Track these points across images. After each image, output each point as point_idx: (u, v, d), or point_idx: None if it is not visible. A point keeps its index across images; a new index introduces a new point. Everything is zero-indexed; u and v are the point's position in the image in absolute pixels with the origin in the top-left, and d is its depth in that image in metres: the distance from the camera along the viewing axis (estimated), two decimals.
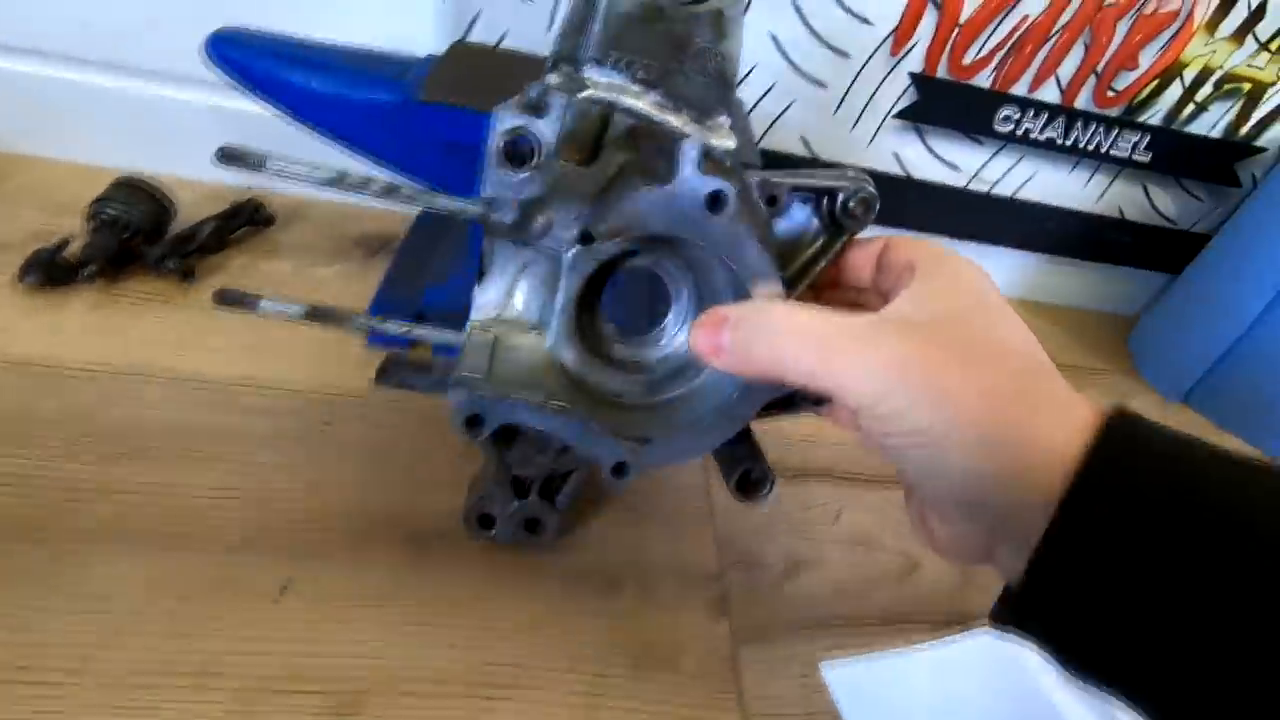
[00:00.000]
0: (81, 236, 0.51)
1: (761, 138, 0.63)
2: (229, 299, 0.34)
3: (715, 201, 0.29)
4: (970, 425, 0.24)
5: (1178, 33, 0.59)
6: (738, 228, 0.30)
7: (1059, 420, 0.24)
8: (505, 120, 0.29)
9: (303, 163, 0.31)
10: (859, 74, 0.60)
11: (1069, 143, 0.66)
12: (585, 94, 0.31)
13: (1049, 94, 0.63)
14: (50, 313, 0.48)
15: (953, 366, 0.25)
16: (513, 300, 0.33)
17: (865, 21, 0.57)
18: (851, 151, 0.65)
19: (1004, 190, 0.69)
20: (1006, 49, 0.60)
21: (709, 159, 0.29)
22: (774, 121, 0.62)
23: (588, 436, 0.33)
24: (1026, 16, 0.58)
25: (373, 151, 0.47)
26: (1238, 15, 0.59)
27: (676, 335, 0.37)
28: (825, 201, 0.33)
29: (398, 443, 0.45)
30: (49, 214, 0.54)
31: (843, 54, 0.59)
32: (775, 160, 0.63)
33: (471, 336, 0.33)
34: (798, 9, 0.56)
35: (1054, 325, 0.77)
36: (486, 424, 0.32)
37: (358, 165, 0.51)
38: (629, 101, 0.31)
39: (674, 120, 0.31)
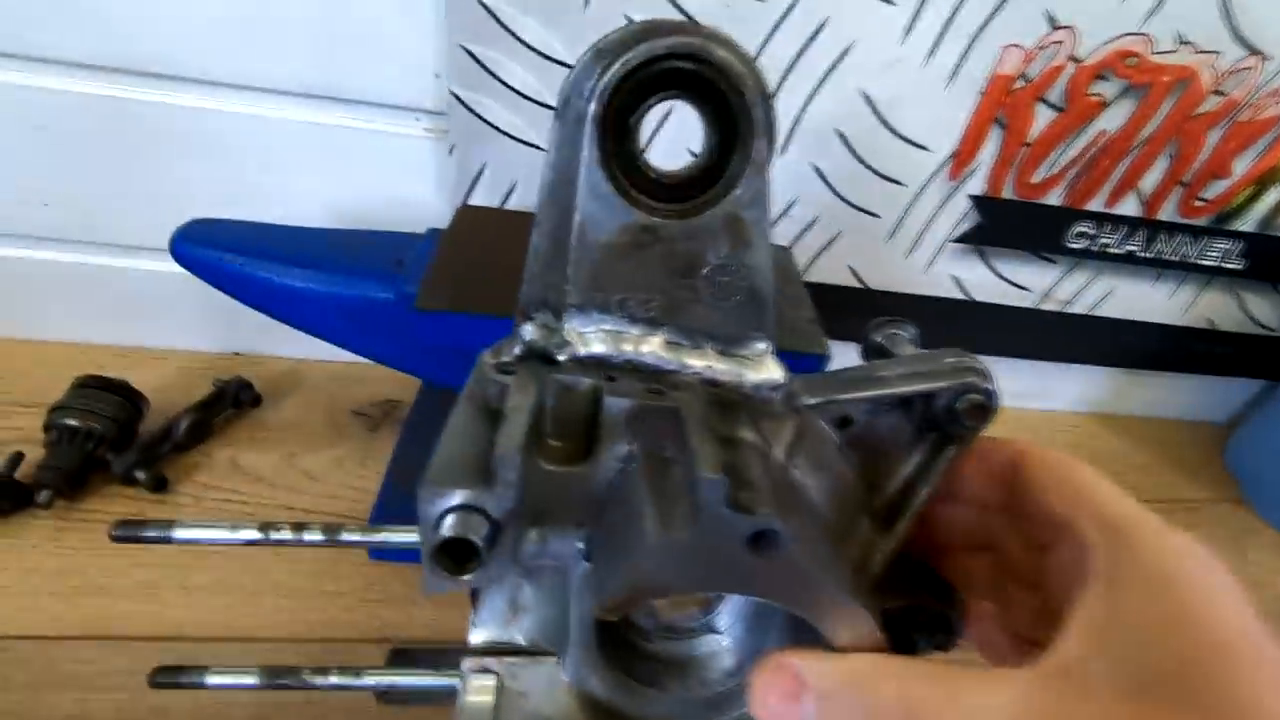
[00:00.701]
0: (40, 442, 0.45)
1: (806, 270, 0.56)
2: (164, 683, 0.25)
3: (759, 544, 0.19)
4: None
5: (1278, 138, 0.52)
6: (797, 565, 0.21)
7: None
8: (436, 503, 0.19)
9: (220, 524, 0.24)
10: (914, 201, 0.53)
11: (1151, 254, 0.58)
12: (565, 362, 0.23)
13: (1128, 207, 0.55)
14: None
15: None
16: (517, 619, 0.25)
17: (921, 148, 0.50)
18: (907, 278, 0.57)
19: (1079, 308, 0.61)
20: (1080, 166, 0.53)
21: (742, 482, 0.20)
22: (819, 254, 0.55)
23: None
24: (1103, 132, 0.51)
25: (362, 351, 0.40)
26: None
27: (734, 624, 0.29)
28: (920, 406, 0.25)
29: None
30: (5, 416, 0.48)
31: (896, 183, 0.52)
32: (823, 298, 0.56)
33: (468, 685, 0.24)
34: (844, 140, 0.50)
35: (1139, 441, 0.68)
36: None
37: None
38: (629, 351, 0.23)
39: (694, 360, 0.24)
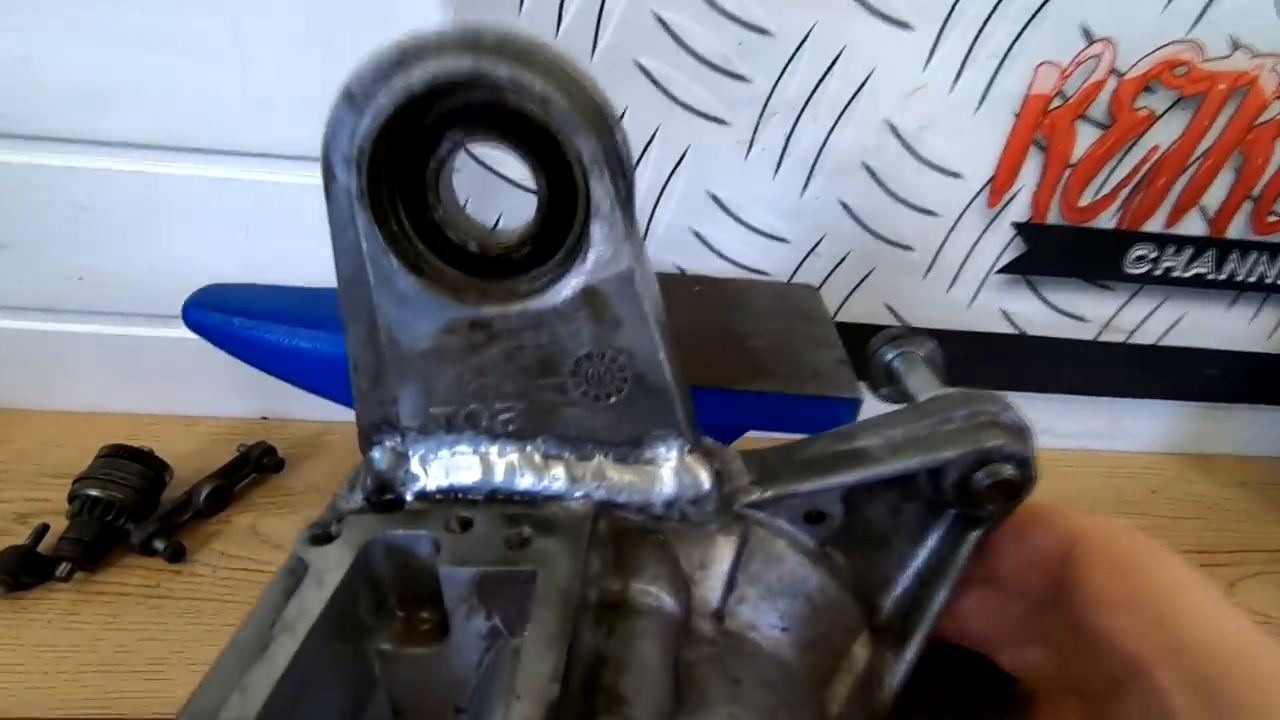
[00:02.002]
0: (65, 514, 0.45)
1: (838, 311, 0.53)
2: None
3: None
4: None
5: None
6: None
7: None
8: None
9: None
10: (951, 232, 0.50)
11: (1223, 276, 0.53)
12: (412, 502, 0.18)
13: (1192, 226, 0.51)
14: (13, 627, 0.40)
15: None
16: None
17: (954, 175, 0.48)
18: (950, 314, 0.54)
19: (1145, 338, 0.56)
20: (1133, 185, 0.49)
21: (610, 699, 0.15)
22: (852, 292, 0.52)
23: None
24: (1156, 148, 0.47)
25: None
26: None
27: None
28: (925, 482, 0.19)
29: None
30: (35, 488, 0.48)
31: (930, 213, 0.49)
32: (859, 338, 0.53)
33: None
34: (871, 172, 0.47)
35: (1230, 483, 0.61)
36: None
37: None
38: (496, 478, 0.18)
39: (584, 477, 0.18)
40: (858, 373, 0.27)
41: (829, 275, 0.52)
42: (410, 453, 0.18)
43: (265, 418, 0.57)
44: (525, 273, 0.17)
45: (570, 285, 0.17)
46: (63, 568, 0.42)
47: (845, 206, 0.49)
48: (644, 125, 0.45)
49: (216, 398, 0.56)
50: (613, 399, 0.18)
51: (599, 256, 0.16)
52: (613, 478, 0.18)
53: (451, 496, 0.18)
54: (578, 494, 0.18)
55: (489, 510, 0.17)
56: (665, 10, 0.41)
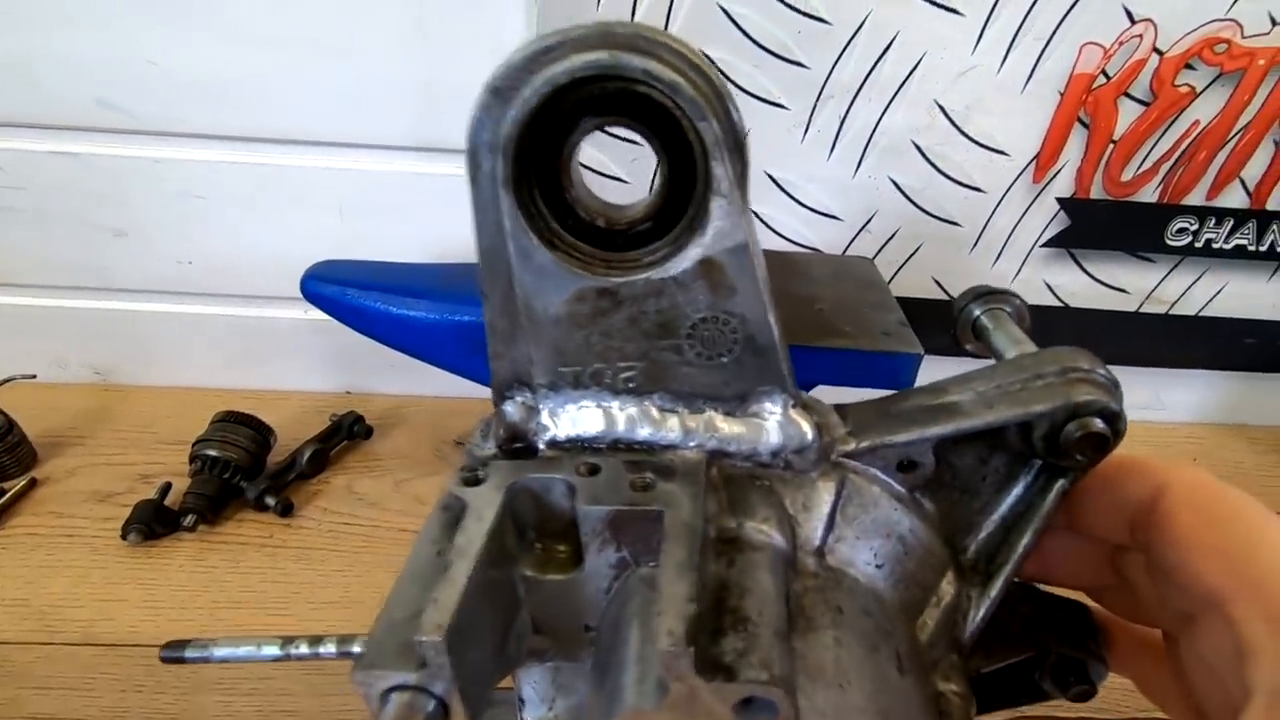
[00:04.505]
0: (184, 474, 0.50)
1: (889, 283, 0.56)
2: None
3: (750, 708, 0.15)
4: None
5: None
6: None
7: None
8: (373, 685, 0.15)
9: (247, 641, 0.24)
10: (997, 207, 0.53)
11: (1264, 248, 0.55)
12: (545, 450, 0.20)
13: (1233, 199, 0.53)
14: (150, 571, 0.45)
15: None
16: (560, 697, 0.23)
17: (1001, 153, 0.50)
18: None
19: (1187, 309, 0.58)
20: (1174, 159, 0.51)
21: (733, 621, 0.16)
22: (901, 267, 0.55)
23: None
24: (1197, 122, 0.49)
25: (476, 374, 0.43)
26: None
27: None
28: (1015, 435, 0.20)
29: None
30: (153, 452, 0.53)
31: (977, 190, 0.52)
32: (908, 312, 0.56)
33: None
34: (920, 150, 0.50)
35: (1269, 451, 0.63)
36: None
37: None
38: (618, 429, 0.20)
39: (696, 429, 0.20)
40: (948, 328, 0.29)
41: (879, 251, 0.54)
42: (541, 406, 0.20)
43: (349, 392, 0.62)
44: (647, 245, 0.19)
45: (690, 256, 0.18)
46: (189, 519, 0.46)
47: (895, 184, 0.52)
48: None
49: (305, 374, 0.60)
50: (724, 359, 0.20)
51: (718, 230, 0.18)
52: (723, 429, 0.20)
53: (578, 445, 0.20)
54: (691, 443, 0.20)
55: (613, 457, 0.19)
56: (730, 3, 0.45)
